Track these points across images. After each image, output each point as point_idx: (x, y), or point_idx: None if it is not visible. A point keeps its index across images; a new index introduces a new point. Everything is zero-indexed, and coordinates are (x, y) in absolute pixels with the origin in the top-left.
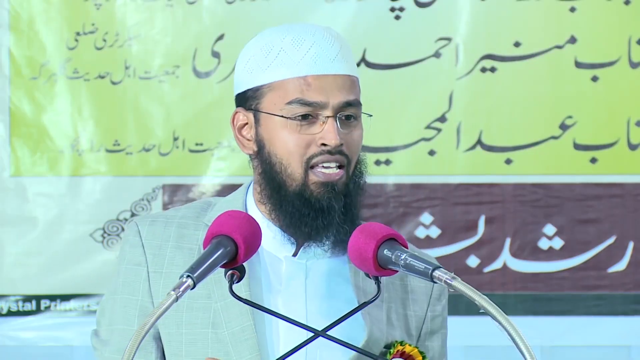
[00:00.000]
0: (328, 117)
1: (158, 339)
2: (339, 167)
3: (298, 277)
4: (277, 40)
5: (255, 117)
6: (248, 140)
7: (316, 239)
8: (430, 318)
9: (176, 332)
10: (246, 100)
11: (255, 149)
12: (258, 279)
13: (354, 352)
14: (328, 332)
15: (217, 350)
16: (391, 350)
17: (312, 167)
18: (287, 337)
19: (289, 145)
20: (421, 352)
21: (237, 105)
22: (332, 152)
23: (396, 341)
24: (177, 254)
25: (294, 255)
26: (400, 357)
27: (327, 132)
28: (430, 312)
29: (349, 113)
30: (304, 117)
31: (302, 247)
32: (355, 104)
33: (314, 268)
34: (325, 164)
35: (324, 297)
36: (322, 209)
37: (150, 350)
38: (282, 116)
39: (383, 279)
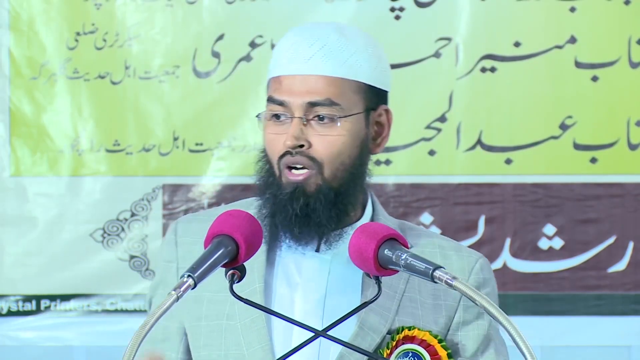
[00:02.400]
0: (293, 117)
1: (183, 334)
2: (304, 167)
3: (321, 273)
4: (284, 37)
5: None
6: None
7: (299, 239)
8: (463, 308)
9: (197, 325)
10: None
11: None
12: (276, 272)
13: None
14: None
15: (229, 341)
16: (394, 336)
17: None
18: (299, 328)
19: (267, 144)
20: (435, 336)
21: None
22: (292, 153)
23: (404, 327)
24: None
25: (317, 250)
26: (411, 343)
27: (288, 132)
28: (464, 302)
29: (318, 113)
30: (277, 116)
31: (322, 242)
32: (325, 104)
33: (336, 263)
34: (290, 164)
35: (344, 293)
36: (287, 211)
37: (176, 343)
38: (260, 114)
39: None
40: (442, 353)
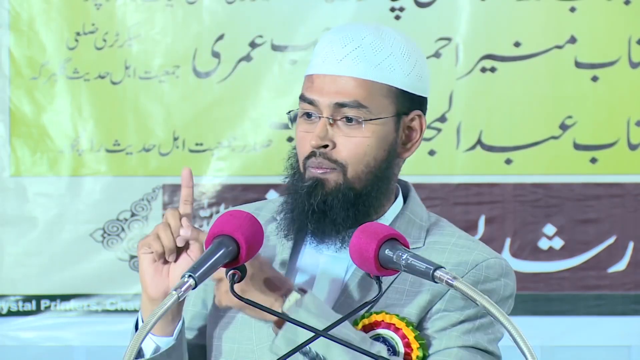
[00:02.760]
0: (320, 117)
1: (203, 319)
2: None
3: (338, 273)
4: (324, 35)
5: None
6: None
7: (316, 235)
8: (448, 298)
9: (216, 315)
10: None
11: None
12: (297, 269)
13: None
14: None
15: (243, 335)
16: (357, 321)
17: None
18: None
19: (297, 142)
20: (402, 319)
21: None
22: (316, 155)
23: (371, 312)
24: None
25: (337, 251)
26: (379, 328)
27: (314, 132)
28: (453, 292)
29: (345, 114)
30: (308, 115)
31: (340, 242)
32: (353, 105)
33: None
34: (313, 167)
35: (360, 294)
36: (304, 205)
37: (194, 329)
38: (291, 111)
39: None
40: (410, 335)
